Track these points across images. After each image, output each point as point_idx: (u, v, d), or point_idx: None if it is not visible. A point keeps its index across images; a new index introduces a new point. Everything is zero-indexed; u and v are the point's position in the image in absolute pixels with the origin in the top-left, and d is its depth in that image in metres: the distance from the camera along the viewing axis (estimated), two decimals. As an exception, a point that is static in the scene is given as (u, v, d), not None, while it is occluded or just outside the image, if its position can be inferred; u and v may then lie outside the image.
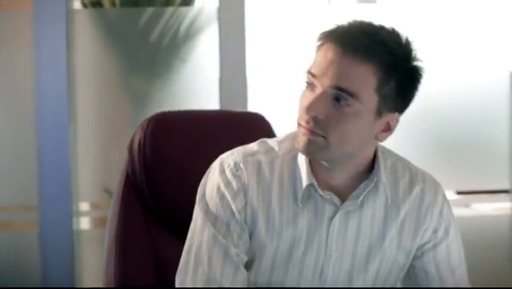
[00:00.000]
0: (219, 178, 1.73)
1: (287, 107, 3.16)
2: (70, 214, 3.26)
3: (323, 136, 1.64)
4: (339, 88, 1.62)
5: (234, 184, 1.72)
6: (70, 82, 3.24)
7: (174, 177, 2.07)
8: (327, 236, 1.74)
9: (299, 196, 1.72)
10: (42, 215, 3.24)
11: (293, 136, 1.75)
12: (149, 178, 2.06)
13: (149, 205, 2.06)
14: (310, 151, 1.67)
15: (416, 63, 1.66)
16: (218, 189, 1.73)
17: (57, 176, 3.24)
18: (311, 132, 1.64)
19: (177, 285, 1.73)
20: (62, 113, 3.23)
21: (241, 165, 1.73)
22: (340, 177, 1.73)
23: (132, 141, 2.09)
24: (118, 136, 3.21)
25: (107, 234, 2.09)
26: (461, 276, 1.84)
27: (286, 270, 1.75)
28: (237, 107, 3.09)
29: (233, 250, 1.70)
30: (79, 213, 3.38)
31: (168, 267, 1.78)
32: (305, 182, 1.71)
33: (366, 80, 1.62)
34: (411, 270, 1.83)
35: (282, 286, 1.75)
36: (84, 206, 3.42)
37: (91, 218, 3.48)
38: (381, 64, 1.62)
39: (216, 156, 1.81)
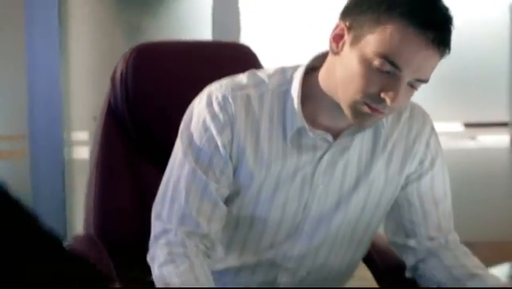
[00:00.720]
0: (205, 111, 1.70)
1: (280, 40, 3.12)
2: (60, 144, 3.25)
3: (385, 113, 1.63)
4: (420, 80, 1.59)
5: (221, 117, 1.68)
6: (61, 13, 3.21)
7: (156, 107, 2.05)
8: (314, 172, 1.72)
9: (289, 136, 1.69)
10: (32, 144, 3.22)
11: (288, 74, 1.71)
12: (131, 108, 2.04)
13: (131, 135, 2.05)
14: (368, 126, 1.68)
15: None
16: (204, 122, 1.69)
17: (47, 105, 3.22)
18: (382, 113, 1.61)
19: (153, 216, 1.71)
20: (53, 42, 3.20)
21: (230, 99, 1.69)
22: (342, 123, 1.70)
23: (114, 72, 2.08)
24: (110, 67, 3.18)
25: (90, 163, 2.08)
26: (445, 210, 1.82)
27: (271, 204, 1.73)
28: (229, 39, 3.04)
29: (212, 186, 1.68)
30: (72, 143, 3.36)
31: (150, 197, 1.77)
32: (296, 125, 1.69)
33: (435, 66, 1.60)
34: (393, 201, 1.81)
35: (265, 219, 1.74)
36: (80, 136, 3.41)
37: (86, 148, 3.47)
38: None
39: (199, 88, 1.77)
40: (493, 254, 2.69)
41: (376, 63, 1.56)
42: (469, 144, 3.55)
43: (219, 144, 1.68)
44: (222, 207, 1.70)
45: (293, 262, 1.78)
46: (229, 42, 2.33)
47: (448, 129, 3.49)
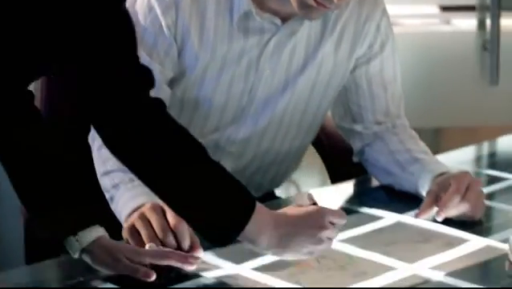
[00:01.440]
0: None
1: None
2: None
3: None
4: None
5: None
6: None
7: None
8: (261, 55, 1.68)
9: (235, 18, 1.64)
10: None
11: None
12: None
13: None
14: (313, 18, 1.62)
15: None
16: (148, 1, 1.64)
17: None
18: (327, 8, 1.54)
19: None
20: None
21: None
22: (291, 8, 1.63)
23: None
24: None
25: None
26: (394, 94, 1.79)
27: (216, 86, 1.70)
28: None
29: (156, 68, 1.62)
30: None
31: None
32: (242, 8, 1.63)
33: None
34: (342, 85, 1.78)
35: (209, 102, 1.71)
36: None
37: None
38: None
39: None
40: (463, 139, 2.66)
41: None
42: (445, 27, 3.51)
43: (163, 24, 1.63)
44: (165, 89, 1.66)
45: (236, 146, 1.76)
46: None
47: (423, 11, 3.45)
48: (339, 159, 1.91)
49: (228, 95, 1.71)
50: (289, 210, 1.35)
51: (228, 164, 1.76)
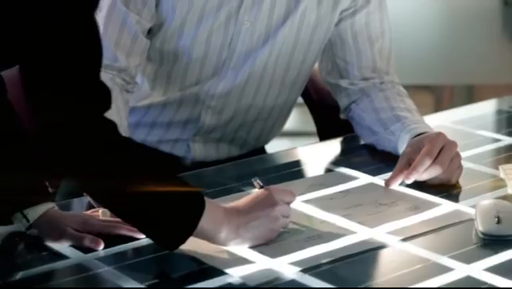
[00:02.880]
0: None
1: None
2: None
3: None
4: None
5: None
6: None
7: None
8: (240, 7, 1.62)
9: None
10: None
11: None
12: None
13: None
14: None
15: None
16: None
17: None
18: None
19: None
20: None
21: None
22: None
23: None
24: None
25: None
26: (382, 49, 1.71)
27: (194, 38, 1.64)
28: None
29: (133, 18, 1.58)
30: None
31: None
32: None
33: None
34: (327, 39, 1.71)
35: (189, 54, 1.65)
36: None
37: None
38: None
39: None
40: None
41: None
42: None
43: None
44: (143, 40, 1.61)
45: (216, 100, 1.70)
46: None
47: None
48: (329, 115, 1.84)
49: (207, 48, 1.65)
50: (238, 201, 1.30)
51: (208, 119, 1.72)
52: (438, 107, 3.00)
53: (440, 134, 1.50)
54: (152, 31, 1.64)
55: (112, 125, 1.24)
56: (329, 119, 1.84)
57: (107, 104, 1.24)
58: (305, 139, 2.59)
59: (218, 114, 1.72)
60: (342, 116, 1.75)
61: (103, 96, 1.24)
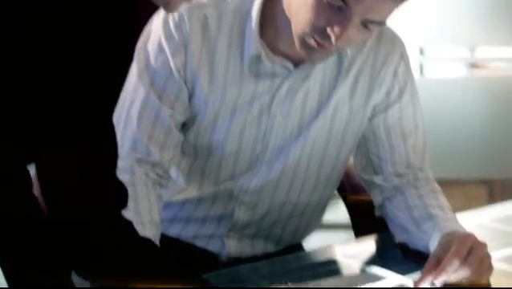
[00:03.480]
0: (161, 30, 1.60)
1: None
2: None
3: (334, 50, 1.53)
4: (372, 21, 1.48)
5: (176, 38, 1.59)
6: None
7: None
8: (272, 101, 1.62)
9: (246, 61, 1.60)
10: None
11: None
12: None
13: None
14: (316, 59, 1.57)
15: None
16: (159, 42, 1.60)
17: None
18: (328, 49, 1.50)
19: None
20: None
21: (186, 18, 1.59)
22: None
23: None
24: None
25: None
26: (415, 145, 1.69)
27: (227, 132, 1.64)
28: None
29: (166, 112, 1.60)
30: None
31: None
32: (252, 50, 1.59)
33: (392, 9, 1.49)
34: (361, 134, 1.70)
35: (222, 148, 1.65)
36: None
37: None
38: None
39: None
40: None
41: None
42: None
43: (172, 67, 1.60)
44: (176, 134, 1.63)
45: (249, 196, 1.69)
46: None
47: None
48: (365, 211, 1.82)
49: (241, 142, 1.66)
50: None
51: (242, 215, 1.71)
52: (491, 200, 2.95)
53: (469, 234, 1.48)
54: (186, 125, 1.65)
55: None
56: (364, 215, 1.82)
57: None
58: (340, 231, 2.56)
59: (252, 210, 1.71)
60: (377, 214, 1.73)
61: None
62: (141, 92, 1.61)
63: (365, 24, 1.48)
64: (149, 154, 1.60)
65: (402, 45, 1.68)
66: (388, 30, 1.67)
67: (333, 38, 1.47)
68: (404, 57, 1.68)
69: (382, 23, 1.50)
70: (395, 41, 1.67)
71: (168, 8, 1.17)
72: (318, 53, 1.52)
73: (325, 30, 1.47)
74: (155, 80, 1.60)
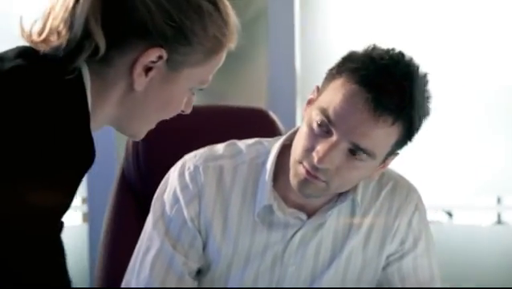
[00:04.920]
0: (177, 181, 1.66)
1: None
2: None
3: (324, 182, 1.53)
4: (357, 146, 1.49)
5: (191, 189, 1.64)
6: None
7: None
8: (285, 251, 1.64)
9: (257, 212, 1.62)
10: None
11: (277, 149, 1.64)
12: (142, 177, 2.00)
13: (142, 205, 2.00)
14: (308, 193, 1.57)
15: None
16: (175, 192, 1.66)
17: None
18: (315, 178, 1.52)
19: (123, 285, 1.68)
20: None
21: (201, 170, 1.65)
22: (317, 202, 1.62)
23: (128, 138, 2.05)
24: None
25: (102, 232, 2.06)
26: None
27: (241, 281, 1.66)
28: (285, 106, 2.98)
29: (179, 259, 1.63)
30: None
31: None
32: (263, 201, 1.61)
33: (387, 140, 1.51)
34: (376, 281, 1.69)
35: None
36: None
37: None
38: (407, 124, 1.51)
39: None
40: None
41: (317, 118, 1.50)
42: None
43: (186, 216, 1.64)
44: (189, 281, 1.64)
45: None
46: (245, 107, 2.26)
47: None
48: None
49: None
50: None
51: None
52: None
53: None
54: (201, 272, 1.67)
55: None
56: None
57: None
58: None
59: None
60: None
61: None
62: (156, 240, 1.64)
63: (353, 152, 1.49)
64: None
65: (418, 196, 1.68)
66: (404, 181, 1.68)
67: (315, 159, 1.48)
68: (418, 208, 1.68)
69: (371, 154, 1.50)
70: (410, 192, 1.68)
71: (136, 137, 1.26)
72: (308, 184, 1.53)
73: (312, 154, 1.50)
74: (169, 229, 1.64)
